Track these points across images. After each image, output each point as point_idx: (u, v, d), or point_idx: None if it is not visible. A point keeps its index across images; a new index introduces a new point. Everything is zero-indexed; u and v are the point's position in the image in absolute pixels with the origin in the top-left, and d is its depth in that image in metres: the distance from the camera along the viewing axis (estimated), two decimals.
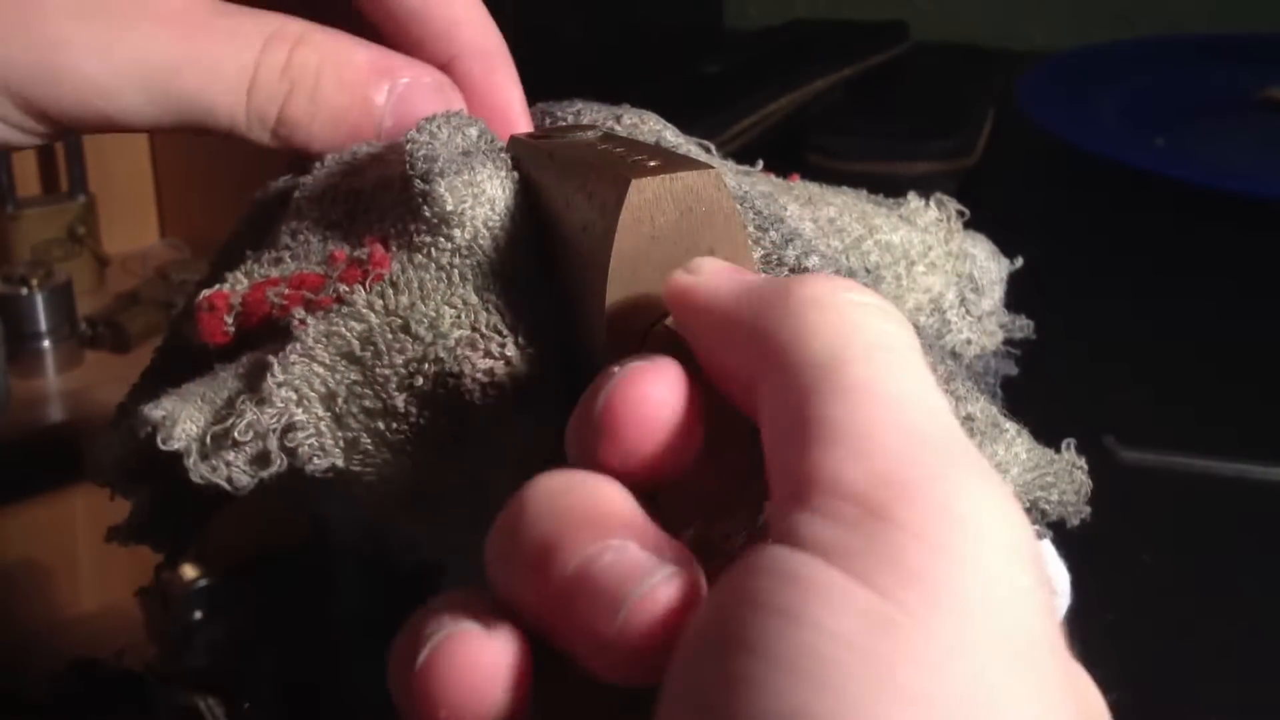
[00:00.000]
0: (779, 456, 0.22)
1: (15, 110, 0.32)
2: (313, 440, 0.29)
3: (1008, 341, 0.37)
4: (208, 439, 0.29)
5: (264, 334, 0.30)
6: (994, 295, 0.37)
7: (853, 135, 0.92)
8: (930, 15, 1.28)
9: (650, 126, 0.34)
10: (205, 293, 0.31)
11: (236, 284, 0.31)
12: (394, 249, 0.30)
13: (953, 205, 0.37)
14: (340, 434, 0.29)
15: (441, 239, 0.29)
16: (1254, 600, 0.52)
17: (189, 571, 1.00)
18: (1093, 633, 0.48)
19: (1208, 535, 0.56)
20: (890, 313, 0.24)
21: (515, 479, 0.28)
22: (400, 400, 0.29)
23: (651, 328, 0.27)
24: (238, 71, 0.33)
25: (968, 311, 0.36)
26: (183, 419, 0.29)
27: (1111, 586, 0.51)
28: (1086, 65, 1.08)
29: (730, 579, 0.20)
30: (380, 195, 0.31)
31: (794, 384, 0.22)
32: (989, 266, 0.37)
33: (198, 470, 0.29)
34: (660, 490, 0.25)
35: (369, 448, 0.29)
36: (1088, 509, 0.33)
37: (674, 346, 0.27)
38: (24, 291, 0.98)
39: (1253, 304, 0.78)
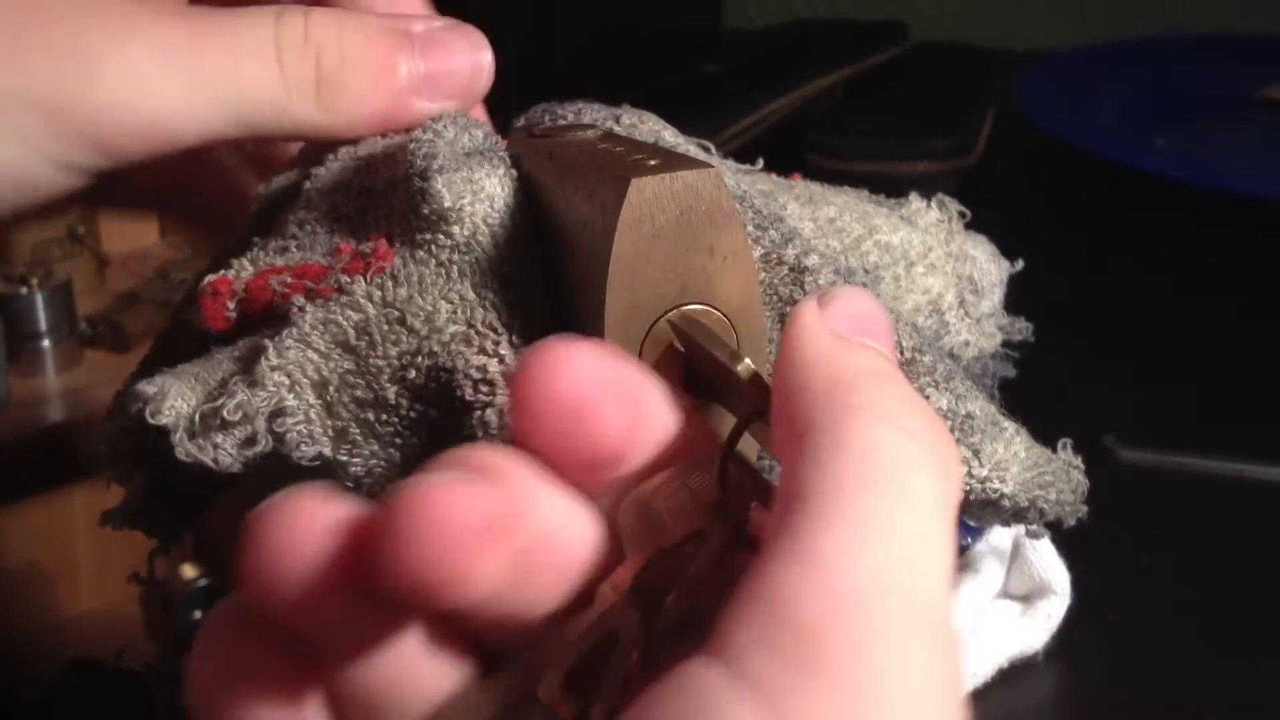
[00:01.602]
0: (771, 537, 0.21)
1: (71, 147, 0.31)
2: (301, 427, 0.29)
3: (1006, 344, 0.37)
4: (197, 418, 0.29)
5: (264, 321, 0.30)
6: (993, 298, 0.37)
7: (853, 135, 0.92)
8: (930, 15, 1.28)
9: (649, 127, 0.34)
10: (210, 277, 0.31)
11: (241, 270, 0.31)
12: (398, 246, 0.30)
13: (954, 206, 0.37)
14: (330, 422, 0.29)
15: (441, 235, 0.29)
16: (1254, 600, 0.52)
17: (189, 571, 0.99)
18: (1093, 633, 0.48)
19: (1208, 535, 0.56)
20: (933, 453, 0.22)
21: None
22: (392, 392, 0.29)
23: (651, 327, 0.27)
24: (259, 45, 0.32)
25: (966, 313, 0.36)
26: (173, 395, 0.29)
27: (1111, 586, 0.51)
28: (1086, 65, 1.08)
29: (657, 686, 0.20)
30: (391, 194, 0.31)
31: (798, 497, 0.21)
32: (989, 269, 0.37)
33: (184, 447, 0.29)
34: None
35: (357, 438, 0.29)
36: (1085, 509, 0.33)
37: (673, 346, 0.27)
38: (24, 291, 0.98)
39: (1253, 304, 0.78)
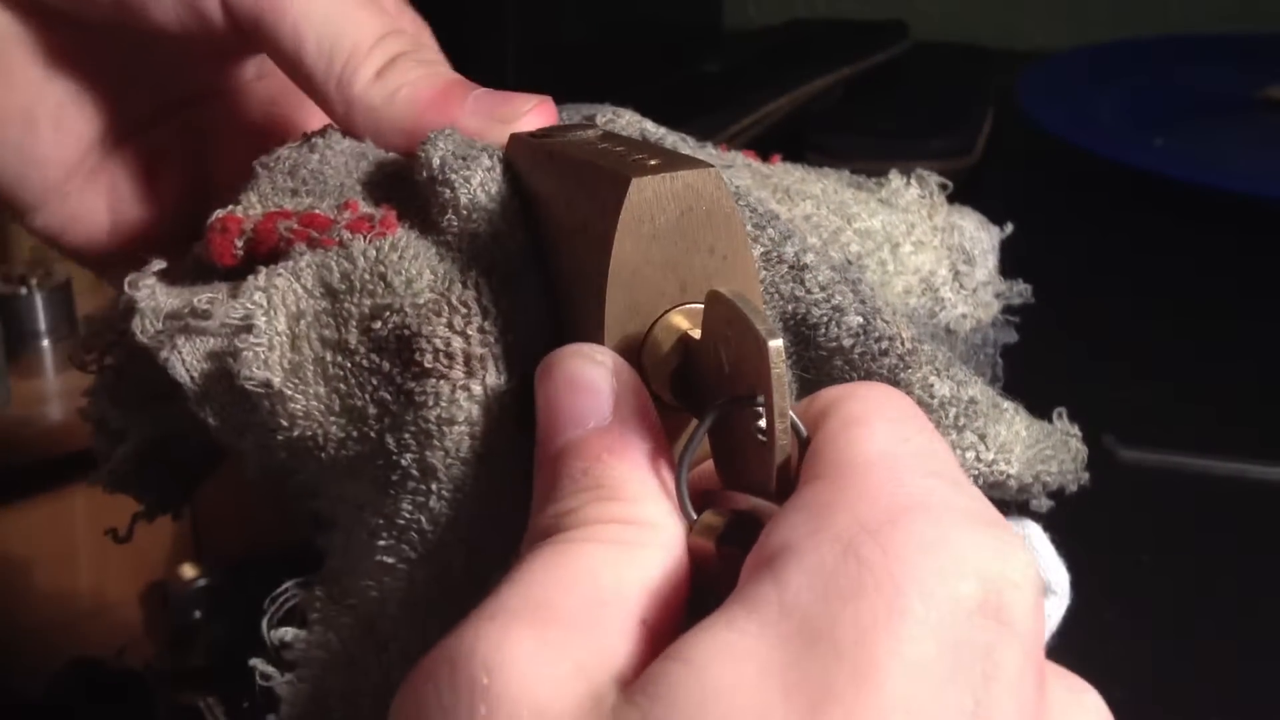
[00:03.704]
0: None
1: None
2: (261, 349, 0.29)
3: (1007, 308, 0.37)
4: (166, 310, 0.30)
5: (269, 263, 0.31)
6: (987, 264, 0.37)
7: (852, 135, 0.92)
8: (930, 15, 1.28)
9: (627, 120, 0.35)
10: (219, 213, 0.32)
11: (250, 209, 0.32)
12: (405, 226, 0.30)
13: (934, 180, 0.37)
14: (290, 354, 0.29)
15: (439, 237, 0.30)
16: (1254, 600, 0.52)
17: (189, 571, 0.99)
18: (1093, 633, 0.48)
19: (1208, 535, 0.56)
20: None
21: (436, 451, 0.28)
22: (354, 337, 0.29)
23: (651, 327, 0.27)
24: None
25: (961, 285, 0.36)
26: (157, 287, 0.31)
27: (1111, 586, 0.51)
28: (1086, 65, 1.08)
29: None
30: (407, 180, 0.32)
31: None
32: (979, 236, 0.37)
33: (143, 326, 0.30)
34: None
35: (308, 375, 0.29)
36: (1086, 475, 0.34)
37: (673, 345, 0.27)
38: (23, 291, 0.98)
39: (1252, 303, 0.78)
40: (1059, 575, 0.48)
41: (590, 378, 0.26)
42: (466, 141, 0.31)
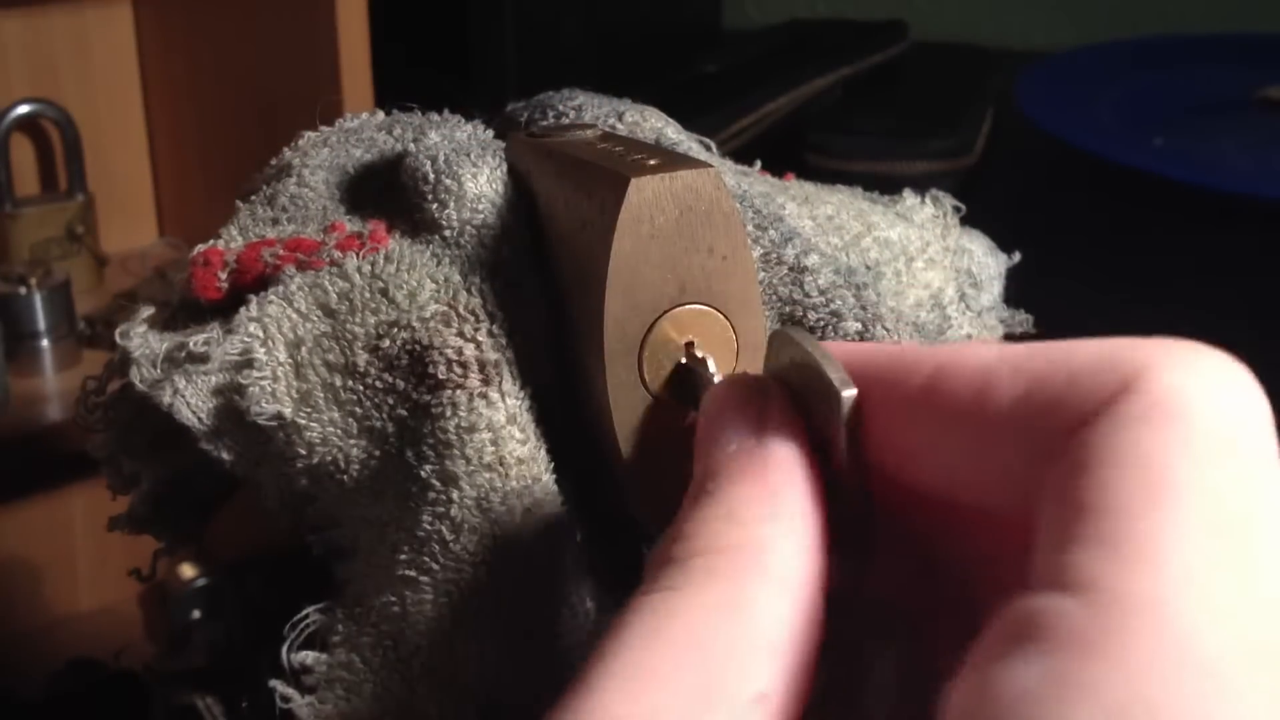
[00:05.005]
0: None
1: None
2: (266, 383, 0.29)
3: (1007, 336, 0.37)
4: (163, 350, 0.29)
5: (256, 291, 0.31)
6: (993, 290, 0.37)
7: (852, 135, 0.92)
8: (930, 15, 1.28)
9: (652, 124, 0.34)
10: (200, 248, 0.31)
11: (231, 241, 0.32)
12: (396, 236, 0.30)
13: (948, 201, 0.37)
14: (296, 384, 0.29)
15: (436, 236, 0.30)
16: None
17: (188, 571, 1.00)
18: None
19: None
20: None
21: (457, 460, 0.28)
22: (362, 359, 0.29)
23: (650, 327, 0.27)
24: None
25: (967, 307, 0.36)
26: (149, 334, 0.30)
27: None
28: (1086, 65, 1.08)
29: None
30: (392, 187, 0.32)
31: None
32: (987, 262, 0.37)
33: (141, 375, 0.29)
34: None
35: (320, 402, 0.29)
36: None
37: (673, 345, 0.27)
38: (23, 291, 0.98)
39: (1253, 304, 0.78)
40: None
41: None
42: (459, 146, 0.31)
